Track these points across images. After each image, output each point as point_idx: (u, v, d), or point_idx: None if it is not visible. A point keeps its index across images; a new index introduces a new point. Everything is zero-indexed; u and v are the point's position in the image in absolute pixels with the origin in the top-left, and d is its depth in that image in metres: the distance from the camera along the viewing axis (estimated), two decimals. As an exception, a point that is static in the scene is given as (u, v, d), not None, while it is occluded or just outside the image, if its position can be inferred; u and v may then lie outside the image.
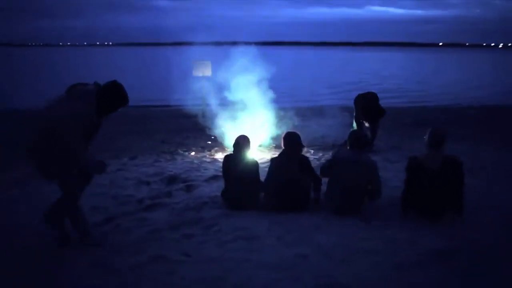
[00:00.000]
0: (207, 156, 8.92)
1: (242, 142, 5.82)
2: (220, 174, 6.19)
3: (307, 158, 5.76)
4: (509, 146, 9.30)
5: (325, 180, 5.64)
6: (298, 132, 5.80)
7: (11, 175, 7.24)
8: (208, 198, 5.97)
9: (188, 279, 3.83)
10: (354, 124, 9.26)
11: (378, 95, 9.29)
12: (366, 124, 9.20)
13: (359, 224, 5.04)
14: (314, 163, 7.20)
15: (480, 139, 10.13)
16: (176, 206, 5.72)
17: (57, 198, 4.42)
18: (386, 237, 4.63)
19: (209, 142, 10.12)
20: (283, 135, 5.77)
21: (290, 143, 5.62)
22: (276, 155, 5.83)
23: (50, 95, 4.41)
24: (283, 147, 5.69)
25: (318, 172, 5.67)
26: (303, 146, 5.75)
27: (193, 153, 9.14)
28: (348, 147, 5.53)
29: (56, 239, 4.49)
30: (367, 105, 9.07)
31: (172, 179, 6.93)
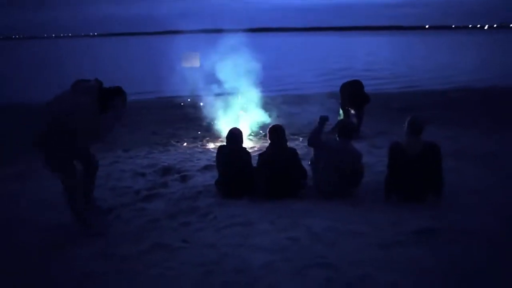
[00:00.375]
0: (199, 146, 9.15)
1: (235, 134, 6.09)
2: (213, 163, 6.46)
3: (294, 149, 6.04)
4: (494, 130, 9.59)
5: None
6: (285, 121, 6.07)
7: (11, 169, 7.46)
8: (202, 187, 6.25)
9: (188, 264, 4.11)
10: (341, 112, 9.55)
11: (363, 82, 9.57)
12: (352, 111, 9.49)
13: (346, 208, 5.35)
14: (303, 150, 7.49)
15: (466, 123, 10.42)
16: (172, 196, 5.99)
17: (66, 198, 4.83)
18: (371, 220, 4.94)
19: (200, 133, 10.34)
20: (268, 129, 6.03)
21: (276, 136, 5.91)
22: (264, 149, 6.08)
23: (41, 89, 4.66)
24: (269, 140, 5.96)
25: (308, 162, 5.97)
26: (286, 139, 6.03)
27: (185, 144, 9.37)
28: (336, 135, 5.80)
29: (85, 227, 4.88)
30: (353, 92, 9.35)
31: (167, 170, 7.17)
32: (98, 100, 4.66)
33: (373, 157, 7.41)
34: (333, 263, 4.04)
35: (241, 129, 6.22)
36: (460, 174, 6.47)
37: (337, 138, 5.80)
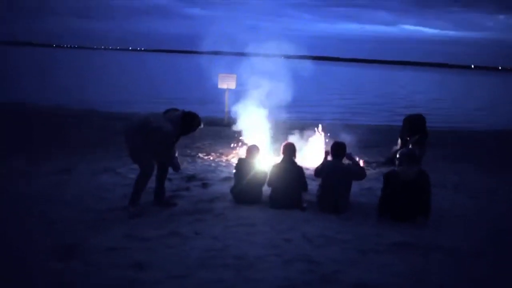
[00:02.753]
0: (224, 160, 10.04)
1: (252, 149, 7.08)
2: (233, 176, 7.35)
3: (301, 167, 6.94)
4: (504, 171, 10.16)
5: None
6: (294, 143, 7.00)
7: (56, 163, 8.58)
8: (220, 194, 7.16)
9: (196, 249, 5.03)
10: (399, 141, 10.01)
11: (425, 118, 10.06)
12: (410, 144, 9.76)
13: (339, 221, 6.18)
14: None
15: (481, 162, 11.03)
16: (192, 198, 6.94)
17: (135, 180, 6.24)
18: (358, 232, 5.76)
19: (227, 148, 11.20)
20: (282, 145, 6.98)
21: (287, 152, 6.87)
22: (277, 162, 6.98)
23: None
24: (282, 155, 6.87)
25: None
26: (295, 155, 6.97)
27: (211, 157, 10.28)
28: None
29: (131, 214, 6.05)
30: (415, 126, 9.80)
31: (191, 178, 8.11)
32: (180, 126, 6.20)
33: (379, 183, 8.14)
34: (316, 259, 4.87)
35: (258, 147, 7.17)
36: (452, 203, 7.23)
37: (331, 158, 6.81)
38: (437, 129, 19.44)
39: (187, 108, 6.61)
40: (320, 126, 10.45)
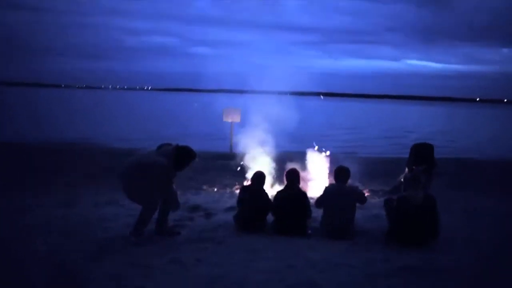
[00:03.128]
0: (228, 192, 9.99)
1: (258, 176, 7.04)
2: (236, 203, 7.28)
3: (305, 193, 6.88)
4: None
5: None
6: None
7: (59, 196, 8.58)
8: (223, 222, 7.09)
9: (197, 276, 4.92)
10: (406, 170, 9.62)
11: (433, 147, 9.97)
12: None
13: (345, 247, 6.07)
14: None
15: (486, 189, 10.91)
16: (196, 228, 6.86)
17: (140, 213, 6.14)
18: (365, 257, 5.65)
19: (231, 181, 11.15)
20: (286, 171, 6.91)
21: (290, 179, 6.82)
22: (281, 189, 6.95)
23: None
24: (285, 182, 6.82)
25: None
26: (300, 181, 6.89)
27: (215, 189, 10.24)
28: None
29: (132, 242, 5.99)
30: (422, 155, 9.54)
31: (195, 208, 8.03)
32: (174, 160, 6.13)
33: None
34: (321, 283, 4.76)
35: (264, 173, 7.13)
36: (459, 226, 7.14)
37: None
38: (443, 158, 19.40)
39: (188, 142, 6.65)
40: (322, 153, 10.31)
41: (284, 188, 6.83)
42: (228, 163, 13.93)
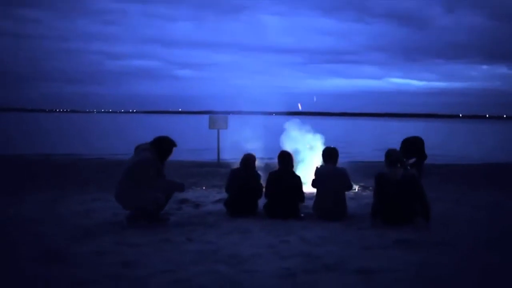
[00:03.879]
0: (217, 190, 9.80)
1: (247, 158, 6.81)
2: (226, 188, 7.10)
3: (298, 176, 6.70)
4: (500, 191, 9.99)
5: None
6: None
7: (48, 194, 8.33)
8: (213, 211, 6.93)
9: (189, 252, 4.74)
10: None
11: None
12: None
13: (339, 226, 5.97)
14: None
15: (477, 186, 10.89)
16: (185, 215, 6.70)
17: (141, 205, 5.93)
18: (360, 233, 5.57)
19: (220, 182, 10.95)
20: (278, 154, 6.74)
21: (283, 161, 6.64)
22: (274, 171, 6.76)
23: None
24: (278, 165, 6.67)
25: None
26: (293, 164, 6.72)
27: (204, 188, 10.05)
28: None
29: (124, 225, 5.87)
30: (413, 147, 9.16)
31: (183, 201, 7.80)
32: (156, 150, 6.10)
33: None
34: (315, 254, 4.61)
35: (254, 155, 6.89)
36: (454, 212, 7.06)
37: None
38: (432, 164, 19.44)
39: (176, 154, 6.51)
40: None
41: (277, 170, 6.66)
42: (216, 170, 13.79)
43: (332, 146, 6.80)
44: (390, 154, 6.16)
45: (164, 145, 6.21)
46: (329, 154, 6.63)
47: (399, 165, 6.05)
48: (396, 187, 5.92)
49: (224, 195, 8.47)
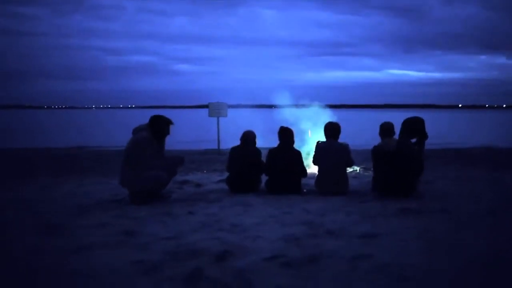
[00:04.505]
0: (218, 173, 9.76)
1: (248, 135, 6.73)
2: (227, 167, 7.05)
3: (299, 152, 6.63)
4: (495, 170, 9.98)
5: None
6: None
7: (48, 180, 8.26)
8: (215, 189, 6.91)
9: (191, 222, 4.75)
10: None
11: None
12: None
13: (340, 200, 5.94)
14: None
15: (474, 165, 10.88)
16: (185, 192, 6.69)
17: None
18: (362, 205, 5.55)
19: (222, 166, 10.90)
20: (278, 130, 6.65)
21: (284, 136, 6.56)
22: (275, 147, 6.67)
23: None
24: (279, 141, 6.59)
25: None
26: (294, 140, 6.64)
27: (205, 171, 10.01)
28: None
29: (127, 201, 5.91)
30: (414, 127, 9.34)
31: (184, 182, 7.79)
32: (152, 129, 6.03)
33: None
34: (318, 222, 4.60)
35: (254, 132, 6.80)
36: (454, 188, 6.98)
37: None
38: (432, 150, 19.44)
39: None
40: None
41: (278, 146, 6.59)
42: (216, 158, 13.75)
43: (334, 121, 6.70)
44: (382, 125, 6.28)
45: (160, 123, 6.13)
46: (330, 129, 6.54)
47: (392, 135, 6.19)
48: (391, 156, 5.96)
49: (224, 176, 8.45)
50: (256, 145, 6.77)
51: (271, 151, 6.56)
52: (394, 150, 5.98)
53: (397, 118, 7.75)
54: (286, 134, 6.57)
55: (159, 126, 6.11)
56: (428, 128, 8.26)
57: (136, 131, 6.16)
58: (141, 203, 5.71)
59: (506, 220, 4.81)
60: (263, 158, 6.69)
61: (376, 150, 6.18)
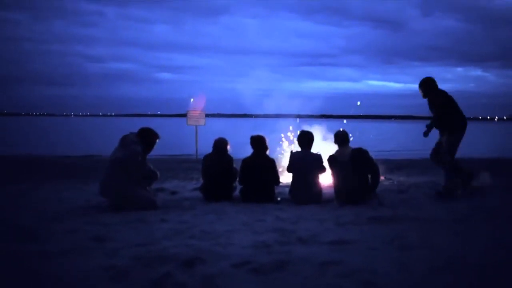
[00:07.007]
0: (194, 181, 9.74)
1: (219, 143, 6.73)
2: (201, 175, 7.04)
3: (273, 159, 6.66)
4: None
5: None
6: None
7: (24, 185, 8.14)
8: (189, 197, 6.87)
9: (162, 229, 4.71)
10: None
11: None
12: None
13: (314, 208, 5.98)
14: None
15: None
16: (160, 199, 6.57)
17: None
18: (334, 213, 5.58)
19: (198, 175, 10.88)
20: (250, 139, 6.67)
21: (256, 145, 6.59)
22: (248, 156, 6.68)
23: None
24: (252, 149, 6.62)
25: None
26: (267, 148, 6.67)
27: (181, 179, 9.96)
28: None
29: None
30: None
31: (159, 190, 7.74)
32: (143, 142, 6.06)
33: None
34: (290, 230, 4.62)
35: (226, 140, 6.80)
36: (429, 195, 7.08)
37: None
38: (414, 160, 19.67)
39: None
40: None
41: (251, 155, 6.61)
42: (194, 166, 13.69)
43: (307, 130, 6.76)
44: (337, 134, 6.45)
45: (152, 137, 6.22)
46: (305, 138, 6.60)
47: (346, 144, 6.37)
48: (346, 164, 6.14)
49: (199, 184, 8.44)
50: (229, 153, 6.77)
51: (245, 160, 6.56)
52: (349, 159, 6.17)
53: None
54: (258, 143, 6.59)
55: (151, 140, 6.22)
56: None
57: (126, 140, 6.10)
58: (116, 210, 5.68)
59: (470, 227, 4.88)
60: (237, 166, 6.71)
61: (331, 160, 6.35)
